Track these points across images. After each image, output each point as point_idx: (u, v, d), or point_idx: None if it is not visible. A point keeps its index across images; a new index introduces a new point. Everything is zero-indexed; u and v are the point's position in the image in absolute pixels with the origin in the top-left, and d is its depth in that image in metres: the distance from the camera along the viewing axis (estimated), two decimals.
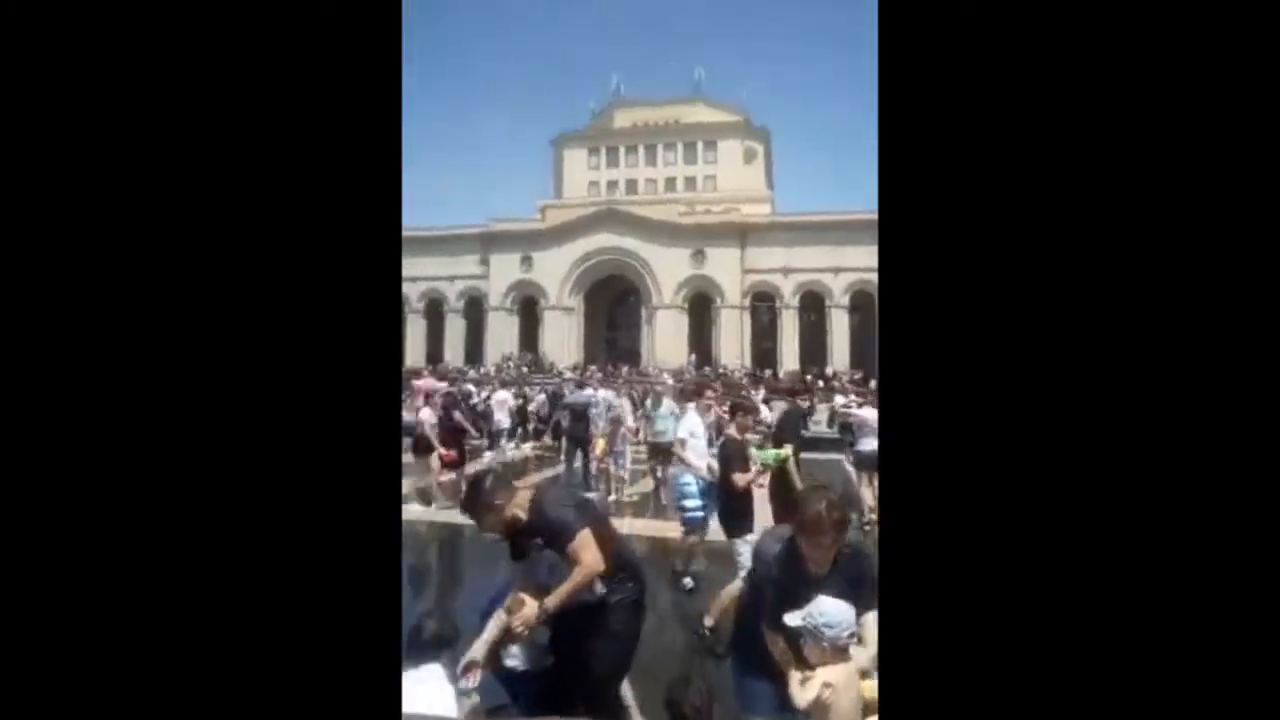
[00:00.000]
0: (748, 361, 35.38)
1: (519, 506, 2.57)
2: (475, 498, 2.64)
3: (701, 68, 76.06)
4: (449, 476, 8.48)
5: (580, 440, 9.65)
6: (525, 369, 32.10)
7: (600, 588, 2.47)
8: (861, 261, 36.16)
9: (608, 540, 2.52)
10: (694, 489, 5.42)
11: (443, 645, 3.92)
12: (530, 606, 2.38)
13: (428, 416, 8.56)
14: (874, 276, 36.35)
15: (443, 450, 8.45)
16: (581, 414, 9.62)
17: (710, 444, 6.04)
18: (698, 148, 47.61)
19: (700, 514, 5.38)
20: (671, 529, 6.24)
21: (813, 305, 38.20)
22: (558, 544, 2.44)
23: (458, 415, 9.24)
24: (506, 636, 2.42)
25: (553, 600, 2.37)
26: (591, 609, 2.46)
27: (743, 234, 38.17)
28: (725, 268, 38.14)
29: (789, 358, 36.14)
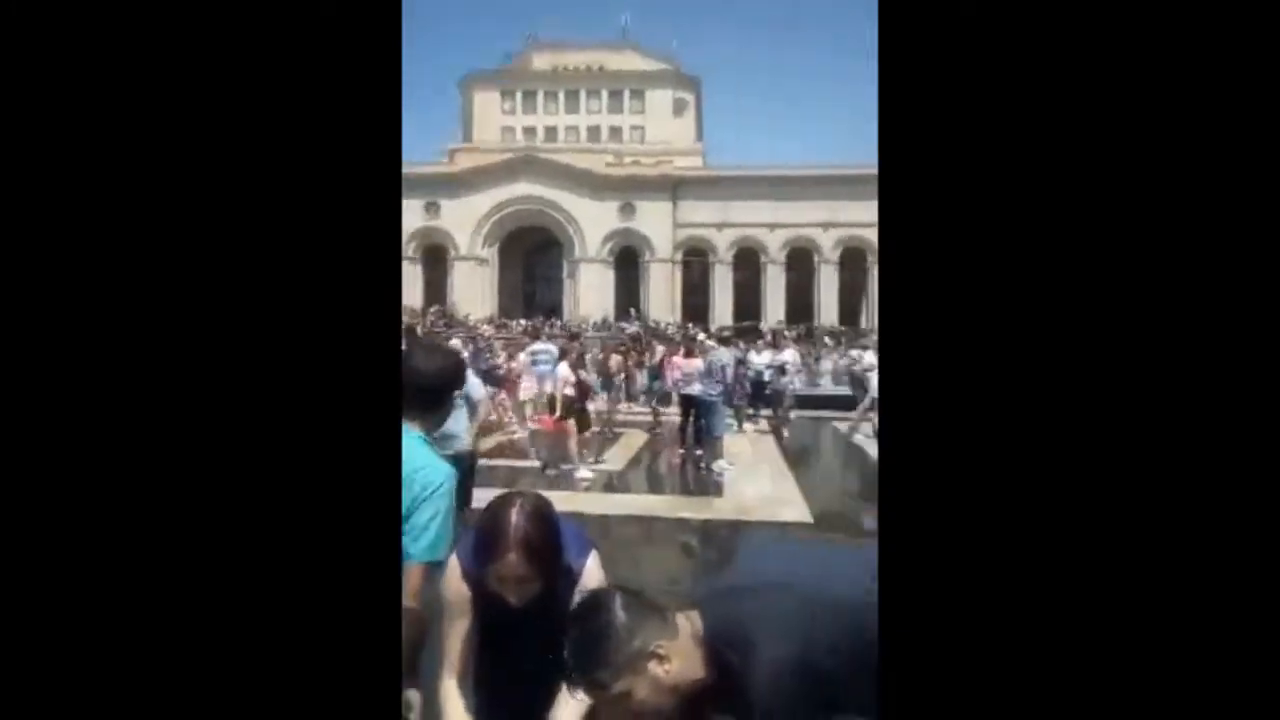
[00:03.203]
0: (678, 317, 33.16)
1: (686, 656, 1.21)
2: (590, 653, 1.17)
3: (628, 13, 69.82)
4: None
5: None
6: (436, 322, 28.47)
7: None
8: (800, 217, 35.09)
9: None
10: None
11: None
12: None
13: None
14: (813, 232, 35.83)
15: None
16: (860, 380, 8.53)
17: None
18: (624, 96, 45.03)
19: None
20: None
21: (747, 261, 36.62)
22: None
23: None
24: None
25: None
26: None
27: (674, 187, 35.99)
28: (655, 221, 36.01)
29: (723, 314, 34.32)
